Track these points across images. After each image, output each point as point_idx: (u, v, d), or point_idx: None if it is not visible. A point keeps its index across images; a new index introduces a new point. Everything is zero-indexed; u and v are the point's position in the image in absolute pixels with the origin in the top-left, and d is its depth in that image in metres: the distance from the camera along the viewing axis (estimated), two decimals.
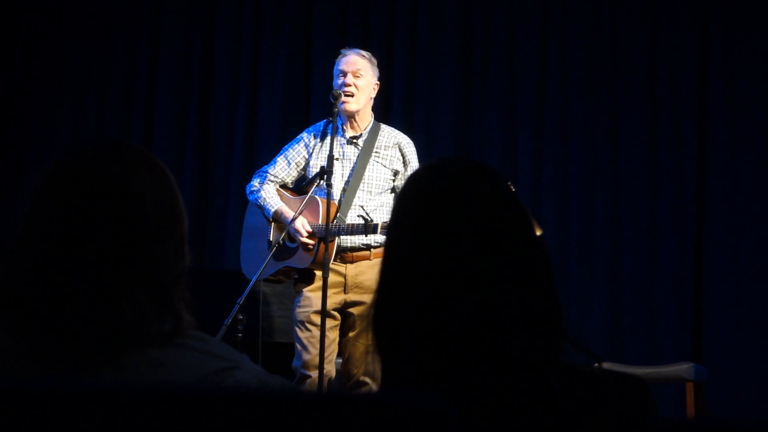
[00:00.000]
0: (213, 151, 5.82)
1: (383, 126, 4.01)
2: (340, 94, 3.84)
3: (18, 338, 1.18)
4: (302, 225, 3.80)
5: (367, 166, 3.88)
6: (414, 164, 3.95)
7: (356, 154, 3.89)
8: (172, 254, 1.23)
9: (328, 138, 3.89)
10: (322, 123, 4.03)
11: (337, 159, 3.81)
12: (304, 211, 3.80)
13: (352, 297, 3.78)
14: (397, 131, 4.02)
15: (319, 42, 5.73)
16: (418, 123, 5.63)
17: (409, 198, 1.33)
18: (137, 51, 5.94)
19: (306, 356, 3.76)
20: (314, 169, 3.89)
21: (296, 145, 4.01)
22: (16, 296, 1.18)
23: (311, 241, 3.79)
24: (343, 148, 3.91)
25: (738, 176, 5.29)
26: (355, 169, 3.87)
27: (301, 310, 3.81)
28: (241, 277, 4.01)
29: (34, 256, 1.19)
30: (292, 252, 3.85)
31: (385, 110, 5.66)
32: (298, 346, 3.80)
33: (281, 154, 4.03)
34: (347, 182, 3.86)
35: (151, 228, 1.21)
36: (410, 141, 4.02)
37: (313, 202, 3.80)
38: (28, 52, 5.91)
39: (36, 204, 1.21)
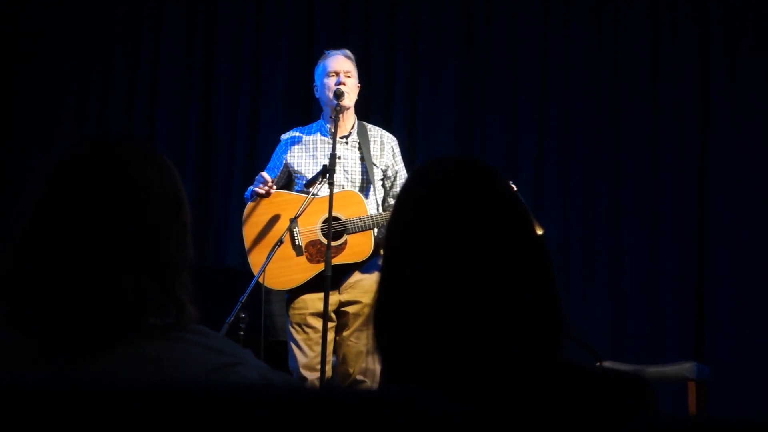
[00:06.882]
0: (215, 149, 5.83)
1: (368, 125, 4.06)
2: (342, 92, 3.86)
3: (22, 329, 1.19)
4: (265, 174, 3.86)
5: (359, 164, 3.91)
6: (399, 159, 4.03)
7: (346, 154, 3.90)
8: (175, 243, 1.25)
9: (318, 136, 3.97)
10: (298, 128, 4.07)
11: (338, 158, 3.83)
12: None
13: (345, 297, 3.79)
14: (383, 130, 4.08)
15: (321, 41, 5.72)
16: (420, 122, 5.64)
17: (409, 197, 1.33)
18: (139, 51, 5.95)
19: (303, 359, 3.75)
20: (303, 168, 3.92)
21: (277, 150, 4.06)
22: (21, 285, 1.19)
23: (263, 191, 3.82)
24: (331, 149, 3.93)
25: (740, 174, 5.29)
26: (347, 168, 3.88)
27: (296, 311, 3.80)
28: (242, 275, 3.97)
29: (40, 243, 1.20)
30: (339, 249, 3.75)
31: (387, 110, 5.67)
32: (294, 348, 3.79)
33: (270, 161, 4.09)
34: (349, 180, 3.89)
35: (154, 215, 1.22)
36: (395, 138, 4.09)
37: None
38: (30, 52, 5.91)
39: (42, 192, 1.22)
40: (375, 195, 3.92)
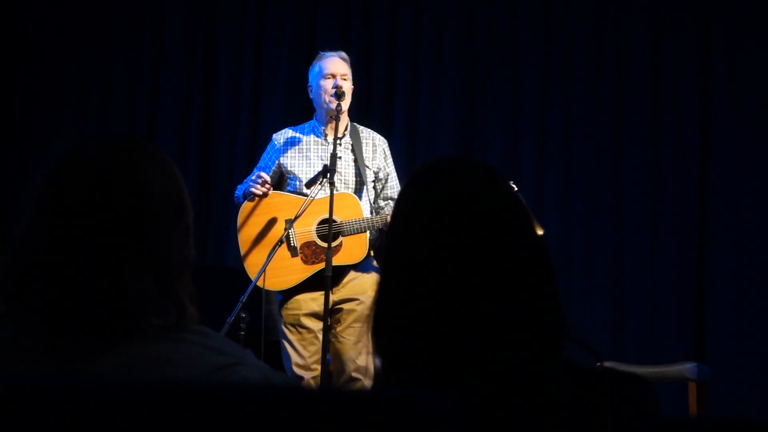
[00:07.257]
0: (215, 149, 5.83)
1: (360, 127, 4.05)
2: (343, 92, 3.85)
3: (22, 329, 1.19)
4: (264, 174, 3.84)
5: (353, 166, 3.91)
6: (390, 162, 4.04)
7: (339, 155, 3.89)
8: (176, 243, 1.25)
9: (312, 137, 3.96)
10: (291, 128, 4.05)
11: (339, 158, 3.83)
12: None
13: (338, 296, 3.79)
14: (374, 132, 4.07)
15: (321, 42, 5.72)
16: (420, 122, 5.64)
17: (409, 198, 1.33)
18: (139, 51, 5.95)
19: (298, 359, 3.75)
20: (296, 169, 3.91)
21: (269, 150, 4.04)
22: (21, 285, 1.19)
23: (260, 191, 3.80)
24: (325, 151, 3.92)
25: (740, 174, 5.29)
26: (340, 170, 3.87)
27: (289, 312, 3.79)
28: (242, 275, 3.96)
29: (42, 243, 1.20)
30: (334, 250, 3.69)
31: (387, 110, 5.67)
32: (288, 348, 3.78)
33: (260, 160, 4.07)
34: (343, 182, 3.89)
35: (156, 215, 1.22)
36: (386, 141, 4.09)
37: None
38: (31, 51, 5.91)
39: (43, 192, 1.22)
40: (368, 197, 3.92)
